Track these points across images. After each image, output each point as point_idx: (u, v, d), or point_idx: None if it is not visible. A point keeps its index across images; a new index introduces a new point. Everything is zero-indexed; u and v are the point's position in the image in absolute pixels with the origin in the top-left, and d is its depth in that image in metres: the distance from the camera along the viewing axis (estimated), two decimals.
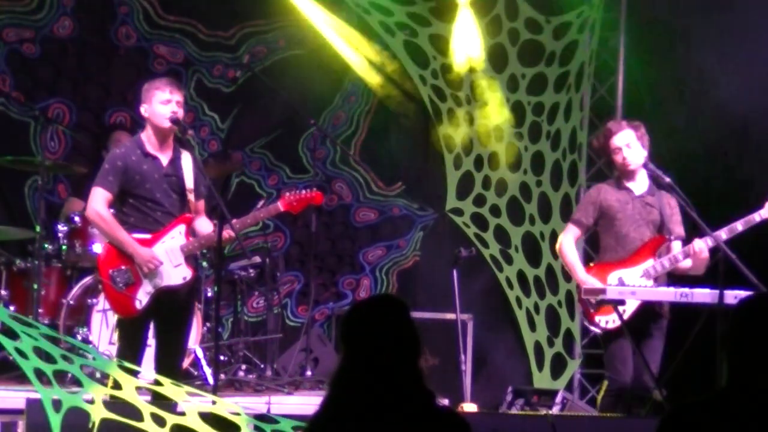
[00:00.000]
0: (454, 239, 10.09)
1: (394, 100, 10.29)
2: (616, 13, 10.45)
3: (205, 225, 6.96)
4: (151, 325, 6.96)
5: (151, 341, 7.28)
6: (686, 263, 7.34)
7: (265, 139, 10.25)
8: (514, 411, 9.18)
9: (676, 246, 7.39)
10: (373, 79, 10.17)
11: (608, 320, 7.32)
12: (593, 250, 8.82)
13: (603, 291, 7.17)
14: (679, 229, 7.43)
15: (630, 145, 7.35)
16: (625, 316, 7.23)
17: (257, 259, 9.32)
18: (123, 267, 6.70)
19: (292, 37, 10.13)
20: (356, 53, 10.05)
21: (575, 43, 10.39)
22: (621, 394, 7.36)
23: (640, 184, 7.47)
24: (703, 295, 7.20)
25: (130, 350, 6.65)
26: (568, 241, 7.53)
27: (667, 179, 7.29)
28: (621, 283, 7.30)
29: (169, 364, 6.75)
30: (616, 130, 7.39)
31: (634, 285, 7.27)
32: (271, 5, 9.89)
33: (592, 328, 7.49)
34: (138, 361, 6.64)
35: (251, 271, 9.37)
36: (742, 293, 7.21)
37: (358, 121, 10.48)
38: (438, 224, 10.60)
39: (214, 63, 10.09)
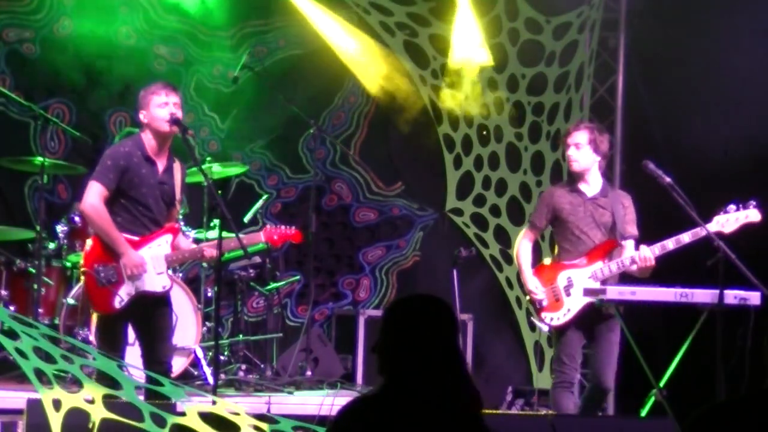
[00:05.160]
0: (454, 239, 10.09)
1: (394, 99, 10.29)
2: (616, 13, 10.45)
3: (180, 238, 6.99)
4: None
5: None
6: (633, 267, 7.41)
7: (265, 139, 10.24)
8: (514, 411, 9.18)
9: (629, 245, 7.47)
10: (372, 78, 10.17)
11: (553, 317, 7.44)
12: None
13: (603, 291, 7.22)
14: (631, 229, 7.52)
15: (579, 146, 7.45)
16: (570, 316, 7.38)
17: (257, 259, 9.32)
18: (108, 263, 6.68)
19: (292, 37, 10.14)
20: (356, 52, 10.06)
21: (575, 43, 10.39)
22: (569, 388, 7.47)
23: (592, 186, 7.54)
24: (703, 295, 7.22)
25: (110, 351, 6.59)
26: (523, 243, 7.65)
27: (668, 179, 7.30)
28: (570, 283, 7.41)
29: (152, 360, 6.71)
30: (573, 130, 7.54)
31: (632, 285, 7.33)
32: (271, 5, 9.89)
33: (539, 324, 7.58)
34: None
35: (251, 271, 9.37)
36: (743, 293, 7.23)
37: (358, 121, 10.48)
38: (438, 224, 10.60)
39: (214, 63, 10.08)
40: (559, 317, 7.43)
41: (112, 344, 6.67)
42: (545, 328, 7.58)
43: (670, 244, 7.32)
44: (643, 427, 6.97)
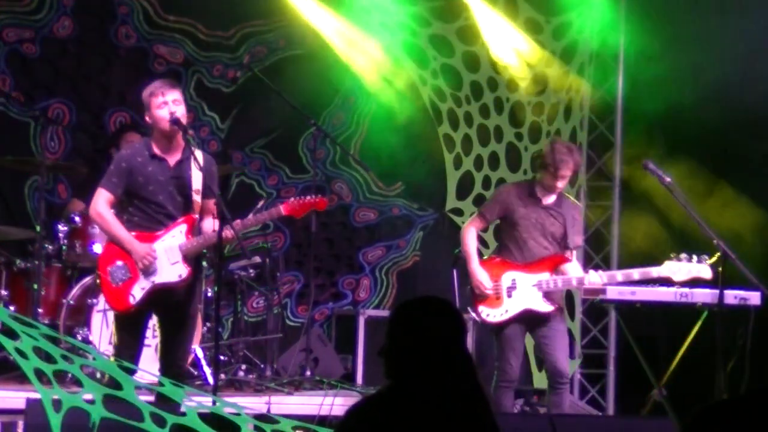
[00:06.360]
0: (454, 239, 10.08)
1: (393, 99, 10.28)
2: (616, 13, 10.44)
3: (210, 225, 6.94)
4: (153, 325, 6.97)
5: (152, 341, 7.30)
6: (580, 287, 7.53)
7: (265, 139, 10.24)
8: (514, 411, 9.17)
9: (573, 255, 7.61)
10: (372, 79, 10.17)
11: (490, 314, 7.53)
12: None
13: (603, 291, 7.24)
14: (577, 239, 7.70)
15: (566, 177, 7.56)
16: (507, 317, 7.48)
17: (257, 259, 9.32)
18: (120, 263, 6.72)
19: (292, 37, 10.13)
20: (356, 53, 10.06)
21: (575, 43, 10.38)
22: (511, 387, 7.58)
23: (550, 194, 7.63)
24: (703, 295, 7.22)
25: (127, 348, 6.64)
26: (471, 231, 7.77)
27: (668, 179, 7.31)
28: (513, 285, 7.51)
29: (171, 362, 6.74)
30: (563, 165, 7.47)
31: (632, 285, 7.36)
32: (271, 5, 9.89)
33: (472, 314, 7.60)
34: (135, 359, 6.64)
35: (251, 271, 9.37)
36: (743, 293, 7.24)
37: (358, 121, 10.48)
38: (438, 224, 10.60)
39: (214, 63, 10.09)
40: (495, 315, 7.51)
41: (128, 343, 6.71)
42: (475, 318, 7.62)
43: (619, 276, 7.43)
44: (643, 427, 6.97)
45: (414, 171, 10.52)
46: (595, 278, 7.35)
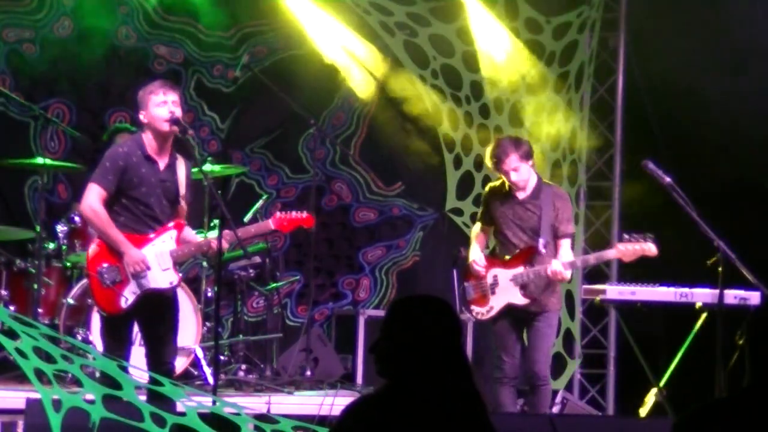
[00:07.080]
0: (454, 239, 10.09)
1: (393, 99, 10.29)
2: (616, 13, 10.45)
3: (188, 232, 6.95)
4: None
5: None
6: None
7: (265, 139, 10.25)
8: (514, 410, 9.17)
9: (565, 244, 7.57)
10: (367, 83, 10.17)
11: (479, 312, 7.67)
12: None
13: (603, 291, 7.26)
14: (565, 228, 7.62)
15: (517, 168, 7.54)
16: (492, 314, 7.59)
17: (257, 259, 9.32)
18: (111, 264, 6.68)
19: (292, 37, 10.13)
20: (351, 58, 10.06)
21: (575, 43, 10.39)
22: (508, 383, 7.62)
23: (526, 188, 7.65)
24: (703, 295, 7.24)
25: (117, 350, 6.59)
26: (473, 239, 7.86)
27: (668, 179, 7.31)
28: (495, 281, 7.59)
29: (159, 362, 6.72)
30: (503, 156, 7.54)
31: (632, 285, 7.39)
32: (271, 5, 9.89)
33: (467, 315, 7.77)
34: (125, 360, 6.61)
35: (251, 271, 9.37)
36: (743, 293, 7.25)
37: (358, 121, 10.48)
38: (438, 224, 10.60)
39: (214, 63, 10.09)
40: (483, 313, 7.64)
41: (117, 345, 6.67)
42: (472, 318, 7.80)
43: (578, 262, 7.61)
44: (643, 427, 6.99)
45: (414, 171, 10.52)
46: (557, 266, 7.38)
